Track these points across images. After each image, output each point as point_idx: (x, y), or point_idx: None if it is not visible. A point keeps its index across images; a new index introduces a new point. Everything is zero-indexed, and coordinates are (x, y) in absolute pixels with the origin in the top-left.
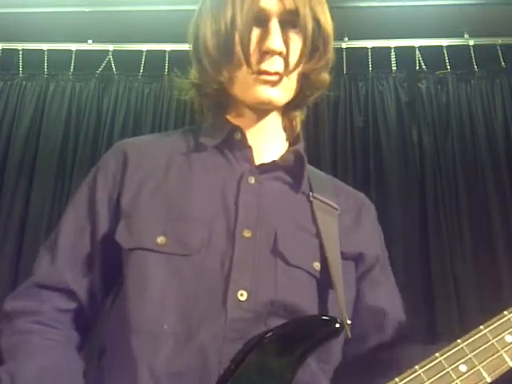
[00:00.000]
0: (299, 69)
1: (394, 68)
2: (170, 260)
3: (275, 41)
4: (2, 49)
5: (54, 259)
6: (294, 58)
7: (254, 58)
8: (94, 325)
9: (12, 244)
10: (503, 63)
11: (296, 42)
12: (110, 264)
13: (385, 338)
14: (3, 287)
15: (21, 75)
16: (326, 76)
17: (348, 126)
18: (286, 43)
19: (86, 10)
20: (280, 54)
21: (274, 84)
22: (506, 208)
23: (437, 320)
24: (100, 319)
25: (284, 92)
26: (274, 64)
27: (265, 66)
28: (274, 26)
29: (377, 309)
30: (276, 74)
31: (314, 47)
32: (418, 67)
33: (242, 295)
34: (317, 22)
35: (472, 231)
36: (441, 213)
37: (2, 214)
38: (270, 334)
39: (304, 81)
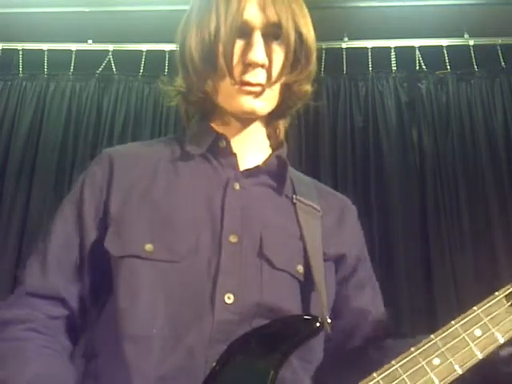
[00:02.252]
0: (281, 80)
1: (394, 68)
2: (159, 267)
3: (258, 53)
4: (2, 49)
5: (44, 268)
6: (276, 70)
7: (237, 70)
8: (84, 331)
9: (12, 244)
10: (503, 63)
11: (278, 54)
12: (98, 271)
13: (368, 335)
14: (4, 286)
15: (21, 75)
16: (307, 87)
17: (348, 125)
18: (269, 55)
19: (86, 9)
20: (262, 66)
21: (256, 95)
22: (505, 208)
23: (437, 320)
24: (88, 325)
25: (266, 102)
26: (256, 76)
27: (247, 78)
28: (257, 38)
29: (361, 309)
30: (258, 85)
31: (296, 59)
32: (418, 67)
33: (230, 298)
34: (299, 34)
35: (472, 231)
36: (441, 213)
37: (2, 213)
38: (254, 333)
39: (286, 91)
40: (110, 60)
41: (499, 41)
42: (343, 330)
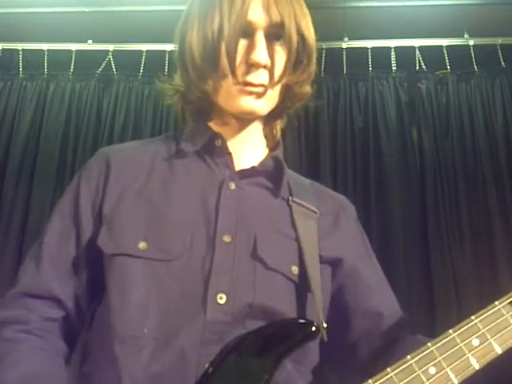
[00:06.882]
0: (283, 81)
1: (394, 68)
2: (152, 265)
3: (261, 54)
4: (2, 49)
5: (40, 267)
6: (278, 71)
7: (239, 70)
8: (80, 333)
9: (12, 244)
10: (503, 63)
11: (281, 55)
12: (94, 271)
13: (386, 339)
14: (5, 286)
15: (21, 75)
16: (307, 88)
17: (348, 125)
18: (271, 56)
19: (86, 9)
20: (265, 66)
21: (258, 95)
22: (505, 208)
23: (437, 320)
24: (84, 326)
25: (267, 103)
26: (259, 76)
27: (250, 78)
28: (260, 38)
29: (375, 312)
30: (261, 85)
31: (297, 60)
32: (418, 67)
33: (222, 298)
34: (301, 35)
35: (472, 231)
36: (441, 213)
37: (2, 213)
38: (248, 336)
39: (287, 92)
40: (110, 60)
41: (499, 41)
42: (357, 335)
